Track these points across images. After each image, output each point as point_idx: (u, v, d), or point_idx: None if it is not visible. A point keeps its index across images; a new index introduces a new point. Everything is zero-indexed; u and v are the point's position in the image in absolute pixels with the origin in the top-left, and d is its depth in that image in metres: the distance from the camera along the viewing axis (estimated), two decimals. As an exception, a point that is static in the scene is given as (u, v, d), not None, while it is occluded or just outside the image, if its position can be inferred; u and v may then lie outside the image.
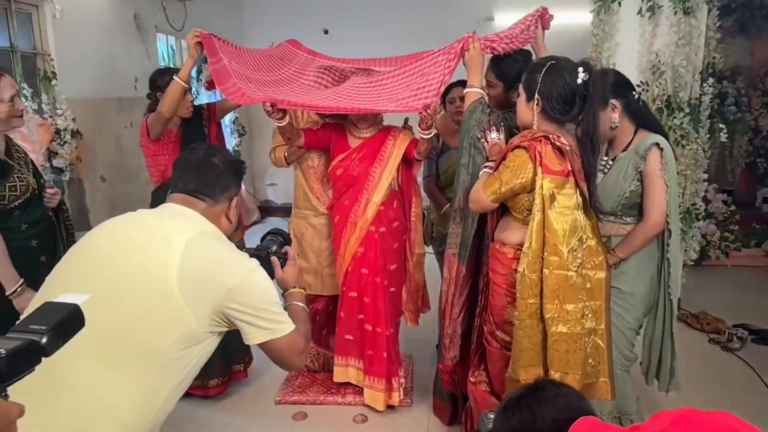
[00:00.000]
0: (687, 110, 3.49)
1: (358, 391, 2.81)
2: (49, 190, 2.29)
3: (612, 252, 2.13)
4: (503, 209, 2.07)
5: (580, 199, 1.87)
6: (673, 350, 2.22)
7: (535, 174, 1.84)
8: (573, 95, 1.84)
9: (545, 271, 1.84)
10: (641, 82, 3.51)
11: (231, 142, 5.99)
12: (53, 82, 3.52)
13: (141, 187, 4.63)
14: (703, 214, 3.77)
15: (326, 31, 6.64)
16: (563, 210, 1.84)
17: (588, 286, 1.88)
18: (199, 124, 2.80)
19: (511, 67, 2.33)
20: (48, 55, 3.55)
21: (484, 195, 1.92)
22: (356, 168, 2.59)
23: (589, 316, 1.89)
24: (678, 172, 3.54)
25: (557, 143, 1.84)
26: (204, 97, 5.63)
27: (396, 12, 6.47)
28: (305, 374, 3.06)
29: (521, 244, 1.89)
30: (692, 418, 0.87)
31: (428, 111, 2.27)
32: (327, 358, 3.02)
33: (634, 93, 2.13)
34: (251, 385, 3.05)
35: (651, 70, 3.51)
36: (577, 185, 1.86)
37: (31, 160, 2.29)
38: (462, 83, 3.03)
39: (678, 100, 3.50)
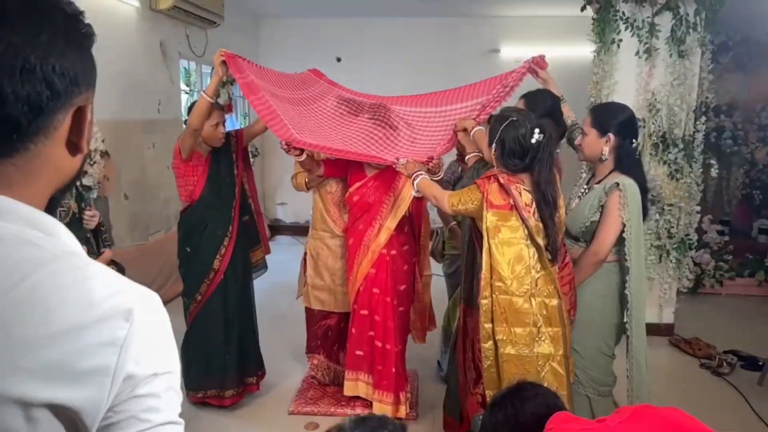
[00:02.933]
0: (681, 146, 3.71)
1: (367, 404, 2.97)
2: (87, 213, 2.37)
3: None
4: None
5: (526, 232, 2.06)
6: (637, 377, 2.29)
7: (482, 207, 2.07)
8: (524, 152, 2.06)
9: (493, 296, 2.05)
10: (637, 119, 3.73)
11: (244, 162, 6.22)
12: (86, 105, 3.76)
13: (160, 204, 4.86)
14: (696, 244, 3.95)
15: (339, 59, 6.90)
16: (509, 240, 2.06)
17: (544, 312, 2.06)
18: (228, 150, 3.00)
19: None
20: (82, 81, 3.79)
21: (446, 200, 2.20)
22: (372, 195, 2.80)
23: (546, 341, 2.06)
24: (672, 204, 3.77)
25: (502, 181, 2.07)
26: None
27: (406, 42, 6.74)
28: (316, 387, 3.24)
29: None
30: (646, 412, 1.06)
31: (433, 161, 2.57)
32: (337, 372, 3.19)
33: (633, 142, 2.30)
34: (264, 396, 3.22)
35: (647, 108, 3.74)
36: (522, 219, 2.05)
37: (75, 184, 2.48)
38: None
39: (673, 136, 3.72)
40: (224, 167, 2.96)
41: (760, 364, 3.50)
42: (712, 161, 3.78)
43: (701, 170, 3.77)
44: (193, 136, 2.77)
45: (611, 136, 2.25)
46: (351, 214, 2.90)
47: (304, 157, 2.69)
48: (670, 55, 3.68)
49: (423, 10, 6.16)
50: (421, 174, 2.40)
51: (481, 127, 2.45)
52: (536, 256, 2.08)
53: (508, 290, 2.04)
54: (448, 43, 6.71)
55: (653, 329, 3.99)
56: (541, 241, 2.09)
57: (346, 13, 6.56)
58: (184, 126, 4.84)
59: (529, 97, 2.57)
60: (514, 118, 2.08)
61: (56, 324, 0.57)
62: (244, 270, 3.04)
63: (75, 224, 2.34)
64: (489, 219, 2.05)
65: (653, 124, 3.73)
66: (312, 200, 3.19)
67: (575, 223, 2.34)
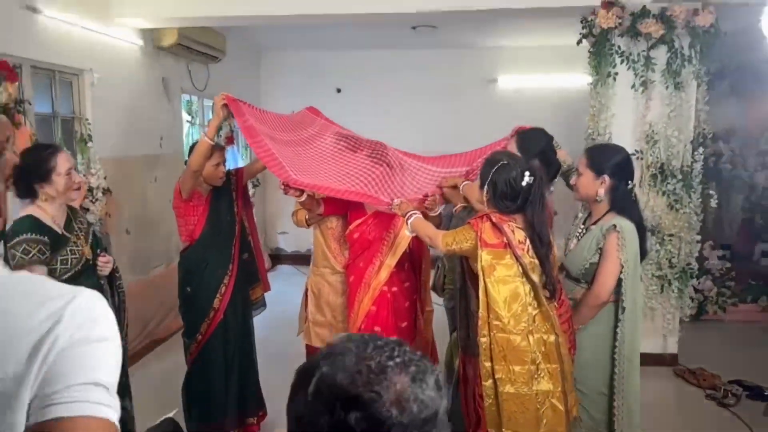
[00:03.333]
0: (679, 176, 3.73)
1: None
2: (101, 259, 2.37)
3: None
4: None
5: (520, 269, 2.09)
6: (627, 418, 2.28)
7: (476, 246, 2.08)
8: (516, 194, 2.10)
9: (490, 334, 2.06)
10: (636, 150, 3.77)
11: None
12: (89, 144, 3.80)
13: (162, 238, 4.87)
14: (697, 273, 3.95)
15: (339, 90, 6.99)
16: (505, 278, 2.07)
17: (543, 349, 2.07)
18: (228, 189, 3.02)
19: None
20: (85, 119, 3.85)
21: (440, 239, 2.20)
22: (372, 233, 2.82)
23: (545, 378, 2.06)
24: (672, 234, 3.77)
25: (494, 219, 2.10)
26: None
27: (405, 73, 6.83)
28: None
29: None
30: None
31: (429, 199, 2.66)
32: (340, 409, 3.16)
33: (629, 183, 2.32)
34: (265, 437, 3.19)
35: (645, 140, 3.77)
36: (516, 256, 2.08)
37: (93, 230, 2.42)
38: None
39: (671, 167, 3.74)
40: (224, 206, 2.98)
41: (766, 394, 3.48)
42: (711, 192, 3.80)
43: (700, 200, 3.79)
44: (193, 177, 2.80)
45: (606, 177, 2.27)
46: (351, 252, 2.91)
47: (304, 197, 2.71)
48: (666, 88, 3.72)
49: (421, 43, 6.26)
50: (415, 213, 2.42)
51: (468, 182, 2.52)
52: (532, 293, 2.10)
53: (506, 328, 2.05)
54: (446, 74, 6.79)
55: (657, 359, 3.98)
56: (536, 278, 2.10)
57: (346, 46, 6.66)
58: (185, 160, 4.91)
59: (522, 135, 2.63)
60: (505, 162, 2.13)
61: None
62: (243, 308, 3.04)
63: (88, 271, 2.32)
64: (484, 258, 2.07)
65: (651, 155, 3.76)
66: (313, 235, 3.20)
67: (575, 265, 2.36)
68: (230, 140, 5.99)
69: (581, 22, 3.84)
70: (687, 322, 4.19)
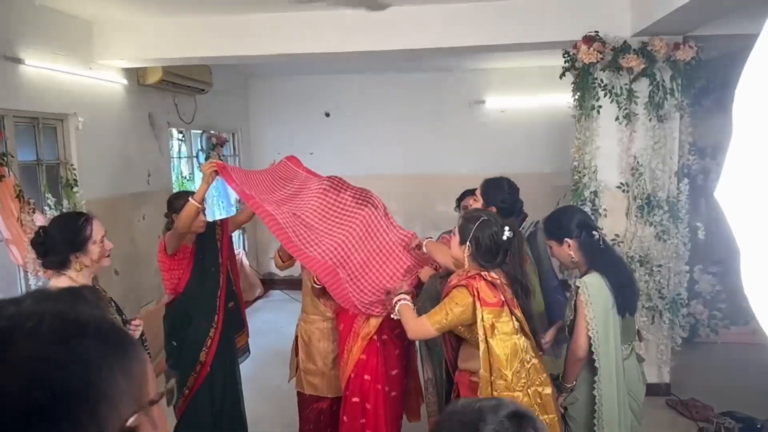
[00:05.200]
0: (666, 208, 3.74)
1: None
2: (134, 323, 2.27)
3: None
4: (457, 341, 2.33)
5: (517, 324, 2.12)
6: None
7: (474, 307, 2.08)
8: (498, 248, 2.15)
9: (494, 394, 2.06)
10: (621, 183, 3.79)
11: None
12: (75, 188, 3.78)
13: (151, 275, 4.84)
14: (687, 302, 3.95)
15: (327, 114, 6.99)
16: (503, 336, 2.09)
17: (539, 401, 2.10)
18: (213, 239, 3.01)
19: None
20: (71, 165, 3.83)
21: (429, 324, 2.15)
22: (359, 283, 2.81)
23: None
24: (661, 265, 3.78)
25: (488, 278, 2.12)
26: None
27: (393, 96, 6.85)
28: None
29: None
30: None
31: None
32: (331, 456, 3.15)
33: (594, 233, 2.34)
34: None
35: (630, 172, 3.78)
36: (511, 312, 2.12)
37: (110, 297, 2.33)
38: (473, 191, 3.45)
39: (657, 198, 3.76)
40: (209, 257, 2.98)
41: (758, 426, 3.48)
42: (698, 224, 3.81)
43: (687, 229, 3.80)
44: (179, 238, 2.81)
45: (568, 240, 2.33)
46: (340, 301, 2.90)
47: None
48: (650, 120, 3.74)
49: (409, 66, 6.28)
50: (405, 299, 2.38)
51: (429, 239, 2.65)
52: (526, 346, 2.12)
53: (510, 386, 2.06)
54: (434, 96, 6.82)
55: (652, 389, 3.93)
56: (528, 331, 2.12)
57: (333, 70, 6.67)
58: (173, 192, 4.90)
59: (488, 182, 2.76)
60: (485, 218, 2.17)
61: None
62: (230, 359, 3.03)
63: None
64: (485, 317, 2.08)
65: (637, 187, 3.77)
66: (302, 282, 3.19)
67: (567, 322, 2.38)
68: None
69: (563, 55, 3.86)
70: (679, 346, 4.19)
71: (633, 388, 2.34)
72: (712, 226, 5.84)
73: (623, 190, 3.78)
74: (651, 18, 3.39)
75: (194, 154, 5.79)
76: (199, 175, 5.78)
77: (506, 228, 2.13)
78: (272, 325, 5.67)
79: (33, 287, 3.33)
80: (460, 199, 3.70)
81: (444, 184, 6.57)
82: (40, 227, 2.15)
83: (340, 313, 2.90)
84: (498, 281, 2.14)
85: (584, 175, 3.81)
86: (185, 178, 5.55)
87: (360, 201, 2.87)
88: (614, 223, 3.82)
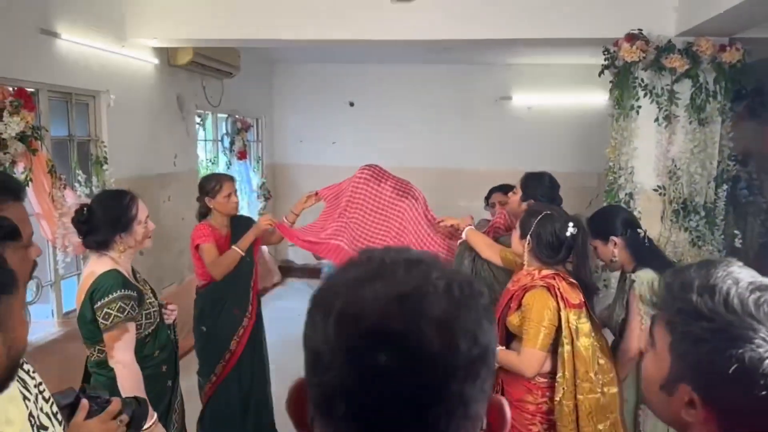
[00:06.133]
0: (702, 213, 3.66)
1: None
2: (169, 306, 2.24)
3: None
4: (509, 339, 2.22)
5: (592, 325, 2.07)
6: None
7: (558, 309, 2.01)
8: (560, 244, 2.08)
9: (579, 397, 2.00)
10: (658, 186, 3.71)
11: (257, 205, 6.23)
12: (104, 166, 3.76)
13: (174, 256, 4.84)
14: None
15: (352, 104, 6.93)
16: (584, 337, 2.03)
17: (605, 401, 2.05)
18: (247, 229, 3.00)
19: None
20: (101, 142, 3.80)
21: (539, 353, 2.02)
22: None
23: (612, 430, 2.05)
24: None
25: (570, 279, 2.06)
26: (236, 166, 5.90)
27: (419, 87, 6.77)
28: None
29: (553, 373, 2.05)
30: None
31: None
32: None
33: (639, 231, 2.31)
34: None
35: (668, 175, 3.70)
36: (589, 312, 2.07)
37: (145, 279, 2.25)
38: (501, 188, 3.40)
39: (694, 203, 3.68)
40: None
41: None
42: (736, 231, 3.73)
43: (723, 237, 3.72)
44: (219, 269, 2.81)
45: (614, 239, 2.29)
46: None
47: None
48: (690, 123, 3.66)
49: (436, 58, 6.20)
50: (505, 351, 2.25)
51: (471, 227, 2.60)
52: (598, 345, 2.08)
53: (594, 388, 2.02)
54: (460, 90, 6.73)
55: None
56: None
57: (358, 60, 6.60)
58: (198, 178, 4.88)
59: (530, 176, 2.73)
60: (548, 212, 2.10)
61: None
62: (261, 350, 3.01)
63: (161, 323, 2.15)
64: (571, 319, 2.02)
65: (674, 191, 3.69)
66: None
67: (611, 321, 2.34)
68: (243, 155, 5.97)
69: (603, 53, 3.78)
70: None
71: None
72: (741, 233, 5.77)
73: (660, 194, 3.70)
74: (698, 18, 3.30)
75: (219, 138, 5.76)
76: (223, 159, 5.76)
77: (570, 224, 2.06)
78: (291, 313, 5.63)
79: (60, 263, 3.32)
80: (488, 197, 3.66)
81: (467, 180, 6.52)
82: (83, 205, 2.08)
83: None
84: (575, 282, 2.09)
85: (620, 177, 3.74)
86: (210, 161, 5.52)
87: (400, 192, 2.82)
88: (649, 226, 3.68)
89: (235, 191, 2.92)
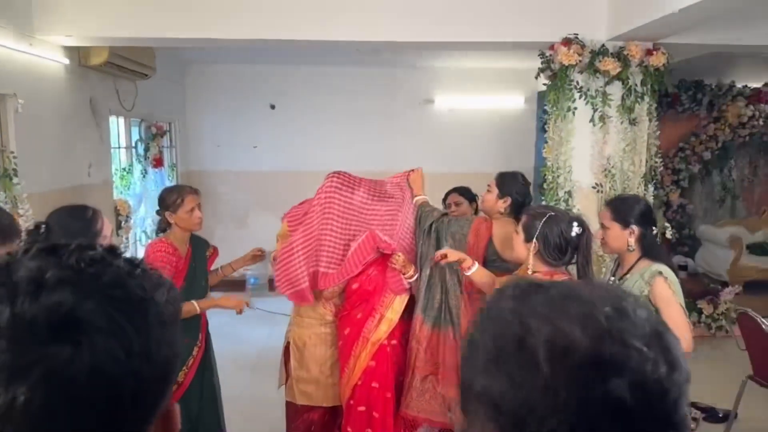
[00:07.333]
0: (635, 209, 3.89)
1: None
2: None
3: None
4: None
5: None
6: None
7: None
8: (566, 245, 2.09)
9: None
10: (596, 183, 3.89)
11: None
12: (14, 179, 3.31)
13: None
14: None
15: (273, 107, 6.69)
16: None
17: None
18: (203, 252, 2.83)
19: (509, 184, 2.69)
20: (11, 152, 3.35)
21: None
22: (372, 284, 2.67)
23: None
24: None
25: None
26: (151, 175, 5.49)
27: (342, 90, 6.67)
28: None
29: None
30: None
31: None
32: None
33: (653, 228, 2.37)
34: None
35: (603, 173, 3.89)
36: None
37: None
38: (457, 190, 3.43)
39: (627, 199, 3.89)
40: (200, 268, 2.76)
41: (720, 416, 3.70)
42: (666, 224, 4.00)
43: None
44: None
45: (635, 227, 2.30)
46: (349, 302, 2.75)
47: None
48: (621, 123, 3.87)
49: (359, 61, 6.14)
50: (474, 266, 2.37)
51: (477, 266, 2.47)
52: None
53: None
54: (383, 93, 6.72)
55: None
56: None
57: (280, 60, 6.38)
58: (113, 189, 4.49)
59: (505, 175, 2.77)
60: (552, 213, 2.11)
61: None
62: (209, 373, 2.80)
63: None
64: None
65: (609, 188, 3.89)
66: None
67: None
68: (158, 162, 5.56)
69: (539, 56, 3.91)
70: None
71: None
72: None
73: (597, 191, 3.89)
74: (628, 25, 3.50)
75: (132, 144, 5.31)
76: (138, 167, 5.33)
77: (575, 223, 2.06)
78: (224, 330, 5.34)
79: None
80: (445, 198, 3.69)
81: (393, 182, 6.52)
82: (40, 222, 1.81)
83: (346, 316, 2.74)
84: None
85: (559, 175, 3.88)
86: (125, 170, 5.07)
87: (376, 197, 2.72)
88: (587, 223, 3.91)
89: (199, 205, 2.68)
